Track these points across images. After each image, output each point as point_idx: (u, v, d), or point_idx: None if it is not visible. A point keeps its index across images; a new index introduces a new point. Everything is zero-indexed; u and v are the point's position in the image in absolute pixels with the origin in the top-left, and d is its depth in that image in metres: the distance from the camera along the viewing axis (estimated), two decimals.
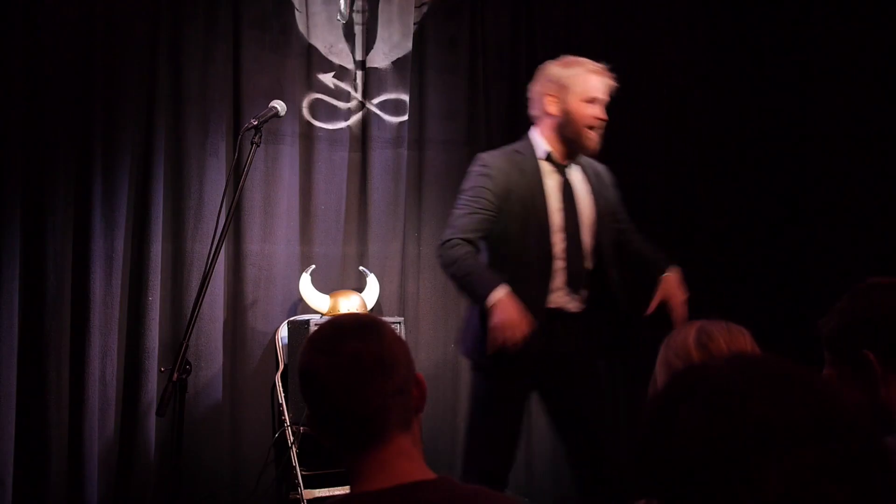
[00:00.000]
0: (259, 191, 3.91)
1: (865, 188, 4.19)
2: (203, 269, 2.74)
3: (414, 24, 4.22)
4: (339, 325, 1.42)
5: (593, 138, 2.95)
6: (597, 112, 2.93)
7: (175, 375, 2.41)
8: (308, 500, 3.67)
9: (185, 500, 3.59)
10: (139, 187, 3.70)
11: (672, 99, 4.59)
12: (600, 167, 3.14)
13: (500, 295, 2.69)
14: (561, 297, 2.92)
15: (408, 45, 4.19)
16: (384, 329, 1.40)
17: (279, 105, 2.90)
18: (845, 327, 1.82)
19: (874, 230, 4.13)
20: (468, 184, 2.93)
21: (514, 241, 2.88)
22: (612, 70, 3.01)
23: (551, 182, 2.95)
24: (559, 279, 2.91)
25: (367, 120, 4.13)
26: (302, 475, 3.68)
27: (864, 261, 4.10)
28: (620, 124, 4.49)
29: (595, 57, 4.47)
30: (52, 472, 3.43)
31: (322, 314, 3.75)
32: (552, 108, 2.93)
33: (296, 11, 4.05)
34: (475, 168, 2.94)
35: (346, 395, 1.33)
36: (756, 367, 0.72)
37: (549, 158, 2.96)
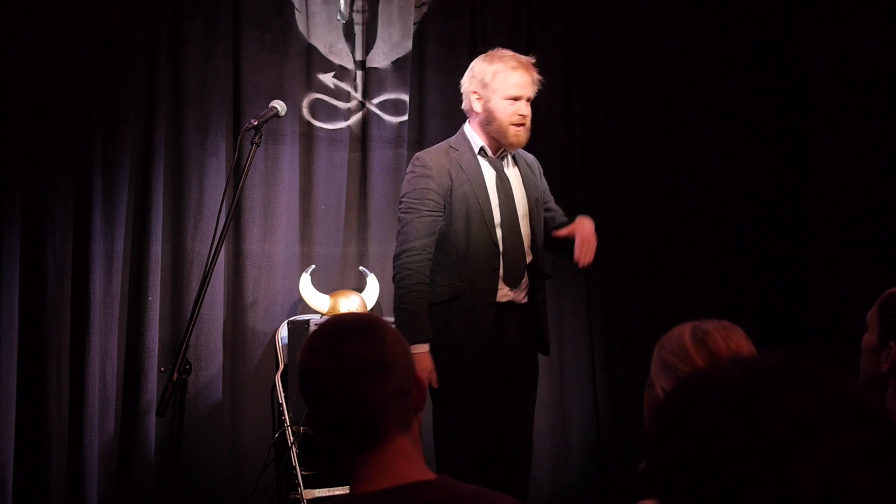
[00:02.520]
0: (259, 191, 3.91)
1: (865, 188, 4.20)
2: (203, 269, 2.75)
3: (414, 24, 4.22)
4: (340, 324, 1.42)
5: (519, 134, 2.97)
6: (521, 110, 2.95)
7: (175, 375, 2.41)
8: (308, 500, 3.67)
9: (185, 500, 3.58)
10: (139, 187, 3.70)
11: (672, 98, 4.59)
12: (530, 157, 3.17)
13: (420, 350, 2.78)
14: (509, 291, 2.96)
15: (408, 45, 4.19)
16: (385, 329, 1.40)
17: (279, 105, 2.91)
18: (893, 305, 1.82)
19: (874, 230, 4.13)
20: (410, 186, 2.94)
21: (459, 237, 2.91)
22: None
23: (488, 176, 2.98)
24: (503, 273, 2.95)
25: (367, 120, 4.12)
26: (302, 475, 3.68)
27: (863, 261, 4.10)
28: (621, 124, 4.52)
29: (595, 57, 4.51)
30: (52, 472, 3.43)
31: (322, 314, 3.75)
32: (477, 105, 2.97)
33: (296, 11, 4.05)
34: (415, 170, 2.96)
35: (345, 396, 1.33)
36: (768, 365, 0.72)
37: (483, 153, 2.99)
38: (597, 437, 4.34)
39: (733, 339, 1.53)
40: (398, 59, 4.18)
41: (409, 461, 1.34)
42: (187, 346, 2.48)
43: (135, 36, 3.69)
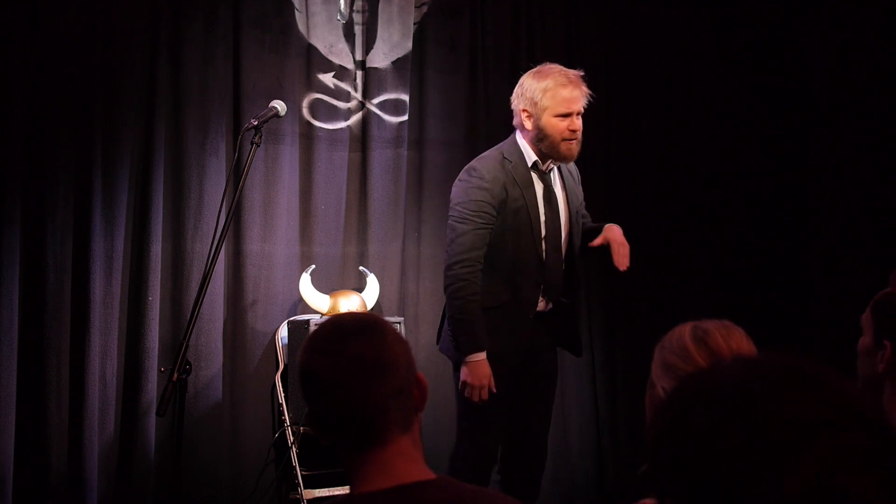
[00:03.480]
0: (259, 191, 3.90)
1: (865, 188, 4.19)
2: (203, 269, 2.75)
3: (414, 24, 4.21)
4: (340, 324, 1.42)
5: (571, 148, 2.98)
6: (572, 125, 2.95)
7: (175, 375, 2.41)
8: (308, 500, 3.67)
9: (185, 500, 3.58)
10: (139, 187, 3.70)
11: (672, 98, 4.59)
12: (572, 165, 3.18)
13: (478, 358, 2.86)
14: (543, 303, 3.05)
15: (408, 45, 4.19)
16: (385, 329, 1.40)
17: (279, 105, 2.91)
18: (887, 305, 1.82)
19: (874, 230, 4.13)
20: (466, 196, 2.95)
21: (508, 250, 2.96)
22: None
23: (538, 190, 3.01)
24: (544, 287, 3.03)
25: (367, 120, 4.12)
26: (302, 475, 3.68)
27: (863, 261, 4.10)
28: (621, 124, 4.52)
29: (595, 57, 4.51)
30: (52, 472, 3.43)
31: (322, 314, 3.75)
32: (527, 123, 2.98)
33: (296, 11, 4.05)
34: (472, 180, 2.95)
35: (345, 396, 1.33)
36: (767, 366, 0.72)
37: (535, 167, 3.02)
38: (597, 437, 4.34)
39: (734, 339, 1.53)
40: (398, 59, 4.18)
41: (410, 461, 1.34)
42: (187, 346, 2.49)
43: (135, 36, 3.68)
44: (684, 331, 1.55)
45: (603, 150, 4.49)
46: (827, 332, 4.15)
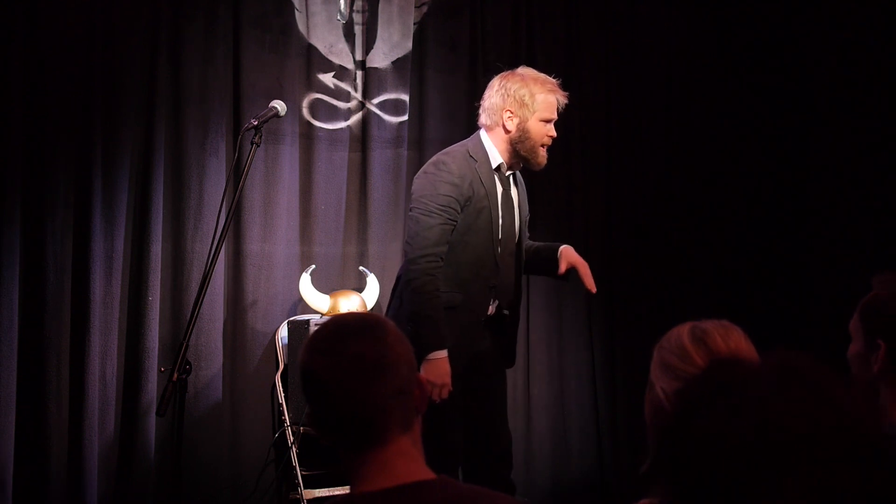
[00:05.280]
0: (259, 191, 3.91)
1: (865, 188, 4.20)
2: (203, 269, 2.75)
3: (414, 24, 4.22)
4: (341, 324, 1.41)
5: (544, 155, 3.00)
6: (551, 131, 2.98)
7: (175, 375, 2.41)
8: (308, 500, 3.67)
9: (185, 500, 3.58)
10: (139, 187, 3.70)
11: (672, 98, 4.59)
12: (521, 178, 3.18)
13: (441, 356, 2.80)
14: (492, 307, 3.03)
15: (408, 45, 4.19)
16: (387, 329, 1.39)
17: (279, 105, 2.91)
18: (876, 306, 1.81)
19: (874, 230, 4.13)
20: (433, 189, 2.88)
21: (467, 251, 2.93)
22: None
23: (499, 193, 3.00)
24: (497, 291, 3.01)
25: (367, 120, 4.12)
26: (302, 475, 3.68)
27: (863, 260, 4.10)
28: (621, 124, 4.52)
29: (595, 57, 4.51)
30: (52, 472, 3.43)
31: (322, 314, 3.75)
32: (510, 123, 2.95)
33: (296, 11, 4.05)
34: (441, 174, 2.90)
35: (346, 397, 1.33)
36: (772, 369, 0.72)
37: (498, 169, 3.00)
38: (597, 437, 4.34)
39: (732, 339, 1.53)
40: (398, 59, 4.18)
41: (410, 461, 1.34)
42: (187, 346, 2.49)
43: (135, 36, 3.69)
44: (683, 331, 1.55)
45: (603, 150, 4.49)
46: (827, 332, 4.15)
